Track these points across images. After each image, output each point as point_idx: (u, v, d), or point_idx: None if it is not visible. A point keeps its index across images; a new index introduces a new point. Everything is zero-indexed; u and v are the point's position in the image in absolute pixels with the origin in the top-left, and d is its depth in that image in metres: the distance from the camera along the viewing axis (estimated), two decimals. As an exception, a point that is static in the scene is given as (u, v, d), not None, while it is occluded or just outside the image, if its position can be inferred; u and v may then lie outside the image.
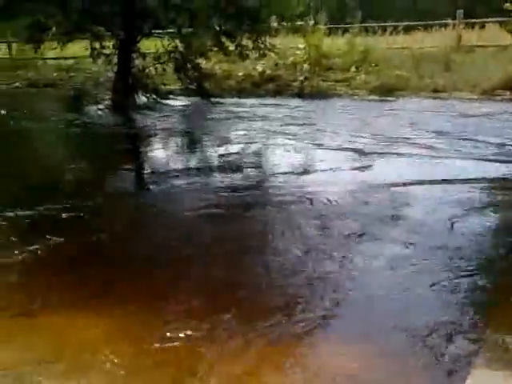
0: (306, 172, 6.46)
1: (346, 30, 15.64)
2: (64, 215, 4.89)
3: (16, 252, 4.07)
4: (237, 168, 6.81)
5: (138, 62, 11.98)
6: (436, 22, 15.78)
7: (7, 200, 5.48)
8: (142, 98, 12.05)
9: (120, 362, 2.84)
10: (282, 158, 7.30)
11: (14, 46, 16.79)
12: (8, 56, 17.17)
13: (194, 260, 4.06)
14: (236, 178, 6.24)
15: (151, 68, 12.24)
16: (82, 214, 4.93)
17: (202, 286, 3.68)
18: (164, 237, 4.50)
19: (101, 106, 11.68)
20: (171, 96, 12.69)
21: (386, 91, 12.07)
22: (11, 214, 4.91)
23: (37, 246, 4.14)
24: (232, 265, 3.97)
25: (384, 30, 15.41)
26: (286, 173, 6.38)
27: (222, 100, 12.41)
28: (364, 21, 15.95)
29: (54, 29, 9.87)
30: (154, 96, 12.19)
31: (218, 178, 6.33)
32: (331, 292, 3.49)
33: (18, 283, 3.77)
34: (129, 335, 3.12)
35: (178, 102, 12.37)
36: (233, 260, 4.04)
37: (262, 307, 3.33)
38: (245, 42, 11.69)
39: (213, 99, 12.38)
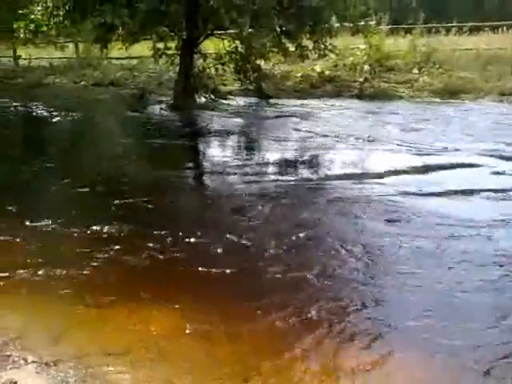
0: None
1: (408, 31, 15.28)
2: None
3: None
4: (293, 168, 6.83)
5: (198, 62, 12.17)
6: (504, 22, 15.15)
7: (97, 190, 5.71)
8: (202, 98, 12.24)
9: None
10: (341, 159, 7.26)
11: (81, 45, 17.41)
12: (75, 56, 17.83)
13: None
14: (289, 179, 6.28)
15: (211, 68, 12.41)
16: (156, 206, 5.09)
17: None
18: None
19: (162, 105, 11.95)
20: (230, 96, 12.83)
21: (450, 93, 11.72)
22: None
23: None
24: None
25: (448, 30, 14.94)
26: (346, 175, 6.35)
27: (280, 101, 12.41)
28: (427, 21, 15.53)
29: (120, 29, 10.18)
30: (214, 96, 12.35)
31: (274, 179, 6.38)
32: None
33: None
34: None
35: (237, 103, 12.49)
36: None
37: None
38: (305, 42, 11.64)
39: (271, 100, 12.42)
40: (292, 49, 11.50)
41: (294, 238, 4.41)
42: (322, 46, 11.45)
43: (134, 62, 16.51)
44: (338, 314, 3.32)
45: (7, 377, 2.64)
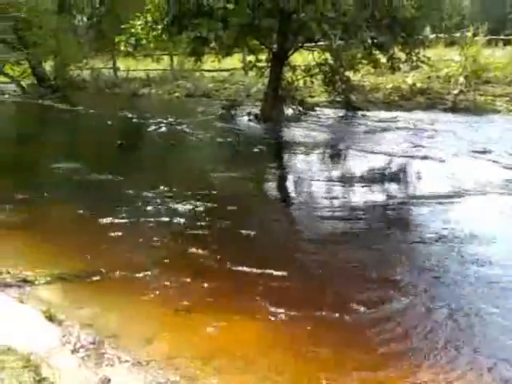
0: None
1: (507, 42, 14.51)
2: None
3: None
4: (381, 184, 6.65)
5: (287, 74, 12.28)
6: None
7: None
8: (290, 110, 12.32)
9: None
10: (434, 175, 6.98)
11: (175, 58, 18.20)
12: (170, 68, 18.67)
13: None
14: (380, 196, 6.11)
15: (300, 80, 12.47)
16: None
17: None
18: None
19: (250, 117, 12.17)
20: (317, 108, 12.81)
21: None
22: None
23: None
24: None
25: (552, 41, 14.02)
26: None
27: (368, 113, 12.21)
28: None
29: (213, 43, 10.51)
30: (301, 108, 12.40)
31: (360, 193, 6.25)
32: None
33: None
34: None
35: (324, 114, 12.43)
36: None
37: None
38: (397, 53, 11.39)
39: (359, 112, 12.26)
40: (383, 60, 11.30)
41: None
42: (415, 58, 11.14)
43: (225, 74, 17.01)
44: None
45: (102, 374, 2.77)
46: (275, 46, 11.40)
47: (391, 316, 3.42)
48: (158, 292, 3.77)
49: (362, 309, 3.49)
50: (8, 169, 7.45)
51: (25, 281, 3.83)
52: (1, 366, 2.51)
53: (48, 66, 18.97)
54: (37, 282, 3.84)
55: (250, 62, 11.36)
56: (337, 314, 3.43)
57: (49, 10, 16.09)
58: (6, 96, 17.40)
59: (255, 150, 9.11)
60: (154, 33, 10.31)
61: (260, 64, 11.96)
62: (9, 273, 3.86)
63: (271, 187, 7.11)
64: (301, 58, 13.12)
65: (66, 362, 2.78)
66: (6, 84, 18.23)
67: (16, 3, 13.21)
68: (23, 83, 18.20)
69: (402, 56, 11.28)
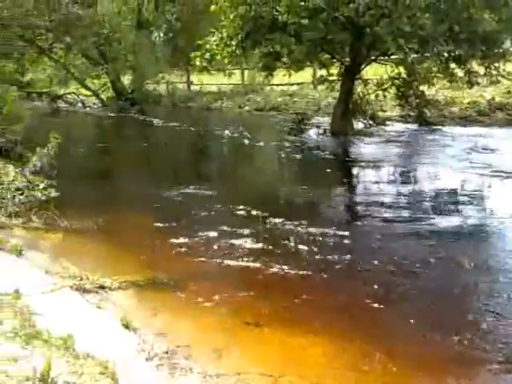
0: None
1: None
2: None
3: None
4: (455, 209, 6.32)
5: (358, 88, 12.16)
6: None
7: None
8: (360, 124, 12.17)
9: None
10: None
11: (246, 72, 18.53)
12: (241, 82, 19.02)
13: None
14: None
15: (371, 94, 12.30)
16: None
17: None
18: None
19: (320, 130, 12.14)
20: (389, 122, 12.58)
21: None
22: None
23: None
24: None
25: None
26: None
27: (443, 128, 11.84)
28: None
29: (285, 57, 10.60)
30: (372, 122, 12.22)
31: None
32: None
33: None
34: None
35: (396, 129, 12.18)
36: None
37: None
38: (474, 67, 10.99)
39: (433, 127, 11.91)
40: (460, 74, 10.93)
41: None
42: (495, 72, 10.71)
43: (294, 88, 17.10)
44: None
45: (174, 384, 2.82)
46: (347, 59, 11.34)
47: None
48: (228, 303, 3.81)
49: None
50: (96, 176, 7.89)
51: (102, 287, 3.97)
52: (80, 372, 2.61)
53: (126, 79, 19.85)
54: (113, 288, 3.98)
55: (322, 76, 11.34)
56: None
57: (128, 27, 16.88)
58: (88, 109, 18.36)
59: (325, 164, 9.06)
60: (229, 48, 10.56)
61: (331, 78, 11.93)
62: (88, 278, 4.03)
63: (342, 203, 7.01)
64: (372, 72, 12.95)
65: (140, 371, 2.85)
66: (87, 97, 19.24)
67: (100, 20, 13.95)
68: (102, 96, 19.14)
69: (480, 70, 10.88)
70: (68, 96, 18.96)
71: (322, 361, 3.16)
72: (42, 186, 6.68)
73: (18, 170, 6.83)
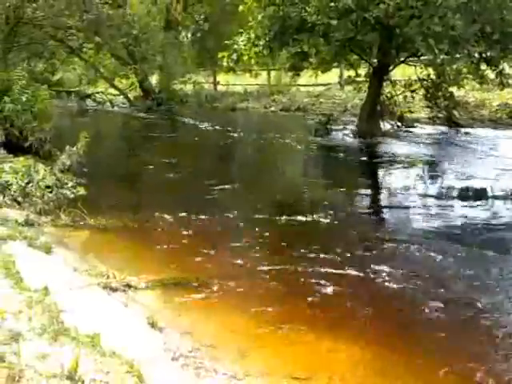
0: None
1: None
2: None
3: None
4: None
5: (386, 89, 12.02)
6: None
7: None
8: (387, 125, 12.03)
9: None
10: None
11: (273, 73, 18.51)
12: (267, 83, 19.02)
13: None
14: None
15: (399, 95, 12.15)
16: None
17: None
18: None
19: (346, 131, 12.03)
20: (417, 124, 12.41)
21: None
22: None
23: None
24: None
25: None
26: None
27: (472, 130, 11.63)
28: None
29: (313, 58, 10.54)
30: (400, 123, 12.07)
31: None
32: None
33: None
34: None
35: (424, 131, 12.00)
36: None
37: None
38: (507, 69, 10.76)
39: (462, 129, 11.70)
40: (491, 76, 10.71)
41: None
42: (527, 74, 10.47)
43: (320, 88, 17.02)
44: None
45: (200, 384, 2.81)
46: (376, 60, 11.22)
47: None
48: (253, 303, 3.79)
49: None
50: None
51: (129, 286, 4.00)
52: (106, 370, 2.62)
53: (153, 79, 20.02)
54: (139, 287, 4.00)
55: (349, 76, 11.25)
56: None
57: (157, 27, 17.01)
58: (116, 108, 18.56)
59: (351, 165, 8.97)
60: (256, 49, 10.54)
61: (359, 79, 11.83)
62: (115, 277, 4.06)
63: (369, 205, 6.94)
64: (400, 73, 12.79)
65: (166, 370, 2.85)
66: (115, 96, 19.46)
67: (129, 21, 14.09)
68: (130, 96, 19.33)
69: (512, 71, 10.67)
70: (96, 95, 19.19)
71: (350, 366, 3.12)
72: (70, 184, 6.76)
73: (47, 168, 6.92)
